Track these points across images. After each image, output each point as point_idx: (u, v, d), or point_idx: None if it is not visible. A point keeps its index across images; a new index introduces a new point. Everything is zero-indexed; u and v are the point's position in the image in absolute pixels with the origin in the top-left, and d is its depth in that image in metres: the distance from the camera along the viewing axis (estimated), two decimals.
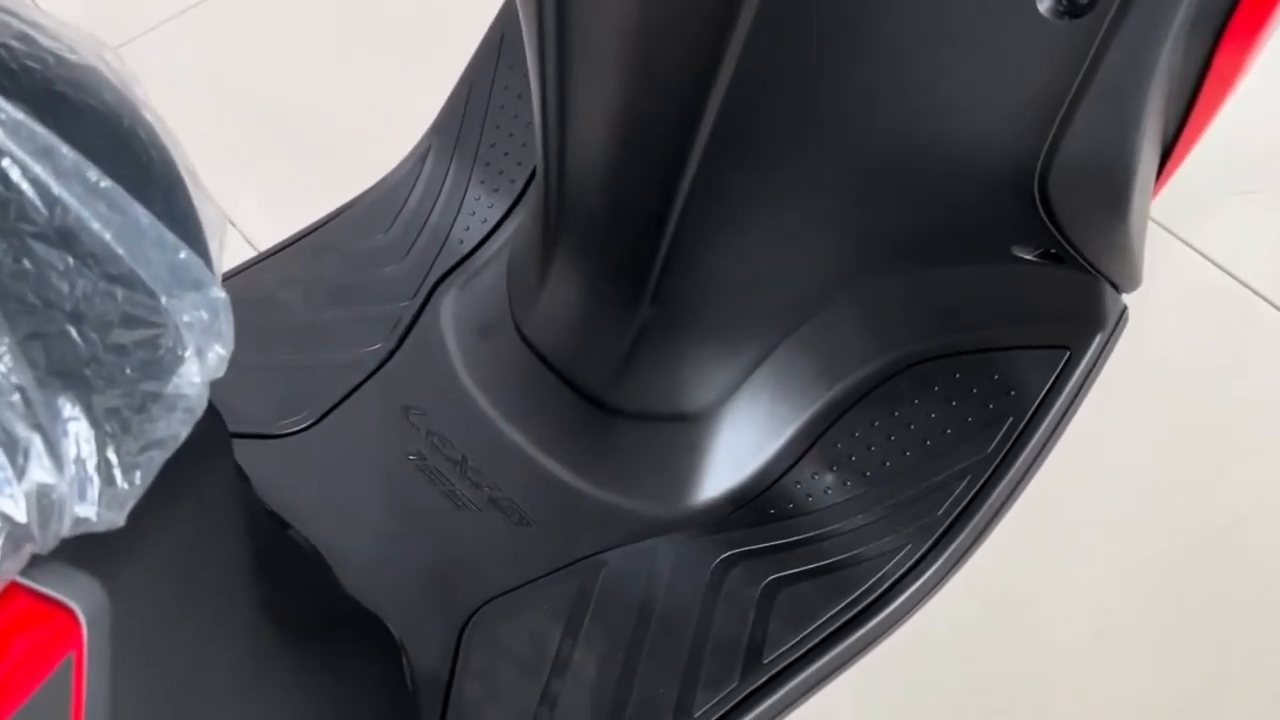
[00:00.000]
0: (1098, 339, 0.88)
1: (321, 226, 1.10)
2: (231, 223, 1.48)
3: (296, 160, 1.48)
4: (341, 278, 1.07)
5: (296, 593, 0.76)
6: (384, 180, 1.14)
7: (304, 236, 1.10)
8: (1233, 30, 0.66)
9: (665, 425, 0.95)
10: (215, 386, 0.97)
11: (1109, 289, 0.87)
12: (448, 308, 1.05)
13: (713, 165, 0.77)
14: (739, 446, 0.95)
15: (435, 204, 1.11)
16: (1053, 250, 0.82)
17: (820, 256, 0.86)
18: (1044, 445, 0.89)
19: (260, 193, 1.44)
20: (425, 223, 1.10)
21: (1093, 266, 0.83)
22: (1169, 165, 0.82)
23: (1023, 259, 0.84)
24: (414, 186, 1.13)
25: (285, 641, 0.67)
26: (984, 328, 0.91)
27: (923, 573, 0.89)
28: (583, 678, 0.85)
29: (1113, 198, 0.72)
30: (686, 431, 0.95)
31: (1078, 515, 1.23)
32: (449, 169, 1.12)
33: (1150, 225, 1.48)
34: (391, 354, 1.02)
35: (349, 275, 1.07)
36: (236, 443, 0.93)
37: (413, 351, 1.03)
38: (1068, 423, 0.90)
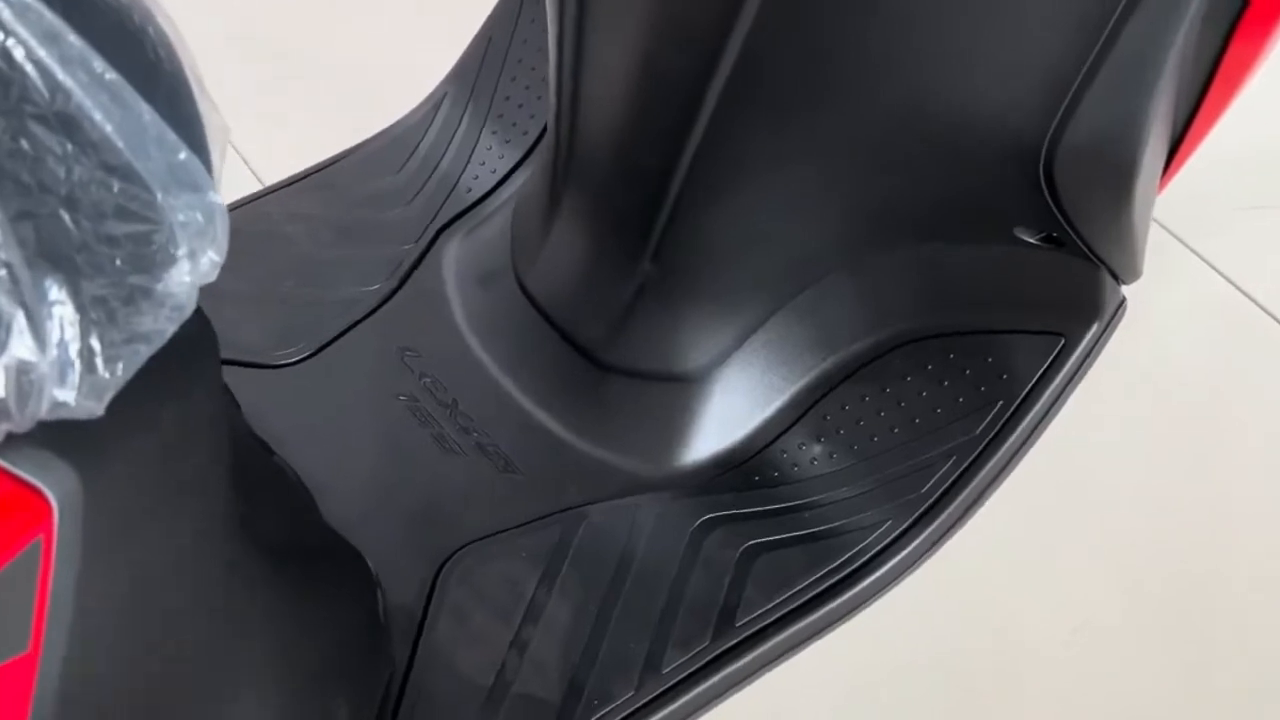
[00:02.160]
0: (1093, 328, 0.88)
1: (330, 165, 1.11)
2: (244, 161, 1.48)
3: (312, 105, 1.48)
4: (347, 217, 1.07)
5: (276, 517, 0.76)
6: (397, 124, 1.14)
7: (313, 173, 1.10)
8: (1246, 22, 0.66)
9: (658, 385, 0.95)
10: (215, 309, 0.97)
11: (1108, 278, 0.87)
12: (450, 254, 1.05)
13: (723, 123, 0.77)
14: (729, 411, 0.95)
15: (446, 151, 1.11)
16: (1054, 234, 0.82)
17: (822, 224, 0.86)
18: (1032, 431, 0.90)
19: (273, 134, 1.44)
20: (435, 169, 1.10)
21: (1093, 253, 0.82)
22: (1175, 160, 0.82)
23: (1024, 241, 0.84)
24: (426, 132, 1.13)
25: (259, 561, 0.67)
26: (981, 309, 0.91)
27: (902, 548, 0.89)
28: (555, 626, 0.85)
29: (1117, 182, 0.72)
30: (678, 393, 0.95)
31: (1064, 514, 1.23)
32: (463, 117, 1.13)
33: (1161, 233, 1.49)
34: (391, 295, 1.02)
35: (355, 215, 1.07)
36: (231, 370, 0.94)
37: (412, 294, 1.03)
38: (1058, 410, 0.90)
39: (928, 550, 0.90)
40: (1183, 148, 0.80)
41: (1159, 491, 1.23)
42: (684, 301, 0.91)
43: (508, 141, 1.11)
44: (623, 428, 0.95)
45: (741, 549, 0.90)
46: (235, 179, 1.46)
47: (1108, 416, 1.29)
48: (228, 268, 1.00)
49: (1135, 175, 0.71)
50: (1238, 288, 1.44)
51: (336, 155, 1.11)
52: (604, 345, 0.95)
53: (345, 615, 0.77)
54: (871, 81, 0.72)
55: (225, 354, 0.94)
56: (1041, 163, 0.73)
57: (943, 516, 0.90)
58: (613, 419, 0.96)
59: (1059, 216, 0.78)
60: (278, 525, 0.74)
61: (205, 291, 0.99)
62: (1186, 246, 1.48)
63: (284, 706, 0.68)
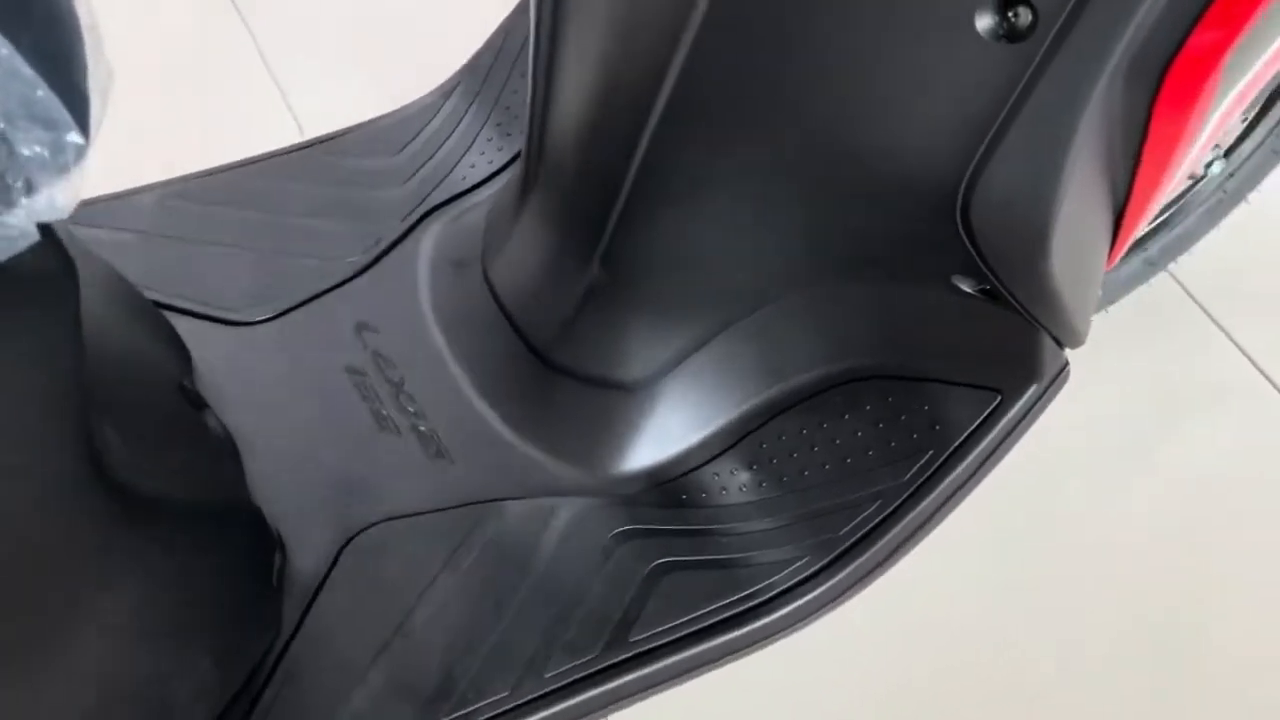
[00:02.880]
0: (1031, 390, 0.86)
1: (336, 137, 1.13)
2: (289, 108, 1.52)
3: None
4: (338, 190, 1.09)
5: (172, 467, 0.78)
6: (408, 106, 1.16)
7: (317, 143, 1.12)
8: (1169, 87, 0.64)
9: (599, 391, 0.95)
10: (187, 257, 0.99)
11: (1048, 341, 0.84)
12: (430, 238, 1.06)
13: (667, 135, 0.77)
14: (666, 427, 0.95)
15: (448, 138, 1.13)
16: (989, 287, 0.80)
17: (760, 249, 0.85)
18: (961, 485, 0.87)
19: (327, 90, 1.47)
20: (434, 154, 1.12)
21: (1026, 312, 0.80)
22: (1122, 232, 0.79)
23: (963, 291, 0.83)
24: (432, 119, 1.14)
25: (129, 508, 0.68)
26: (924, 356, 0.90)
27: (812, 589, 0.88)
28: (446, 613, 0.86)
29: (1031, 239, 0.70)
30: (618, 401, 0.95)
31: (1044, 576, 1.21)
32: (470, 107, 1.14)
33: (1195, 311, 1.44)
34: (363, 270, 1.04)
35: (346, 189, 1.09)
36: (190, 320, 0.96)
37: (384, 272, 1.04)
38: (991, 467, 0.88)
39: (840, 595, 0.89)
40: (1126, 220, 0.77)
41: (1146, 574, 1.21)
42: (628, 309, 0.91)
43: (509, 135, 1.12)
44: (560, 430, 0.95)
45: (651, 565, 0.89)
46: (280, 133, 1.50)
47: (1109, 487, 1.27)
48: (209, 219, 1.03)
49: (1048, 235, 0.69)
50: (1264, 375, 1.40)
51: (340, 130, 1.13)
52: (553, 345, 0.95)
53: (226, 574, 0.78)
54: (793, 113, 0.72)
55: (187, 305, 0.97)
56: (959, 210, 0.71)
57: (859, 561, 0.88)
58: (552, 420, 0.96)
59: (982, 265, 0.76)
60: (171, 476, 0.76)
61: (181, 239, 1.01)
62: (1219, 327, 1.44)
63: (134, 654, 0.69)
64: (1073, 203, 0.70)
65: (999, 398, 0.87)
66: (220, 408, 0.92)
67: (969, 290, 0.82)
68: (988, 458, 0.87)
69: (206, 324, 0.98)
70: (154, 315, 0.93)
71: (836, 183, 0.76)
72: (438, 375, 0.98)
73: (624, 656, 0.85)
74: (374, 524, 0.89)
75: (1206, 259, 1.37)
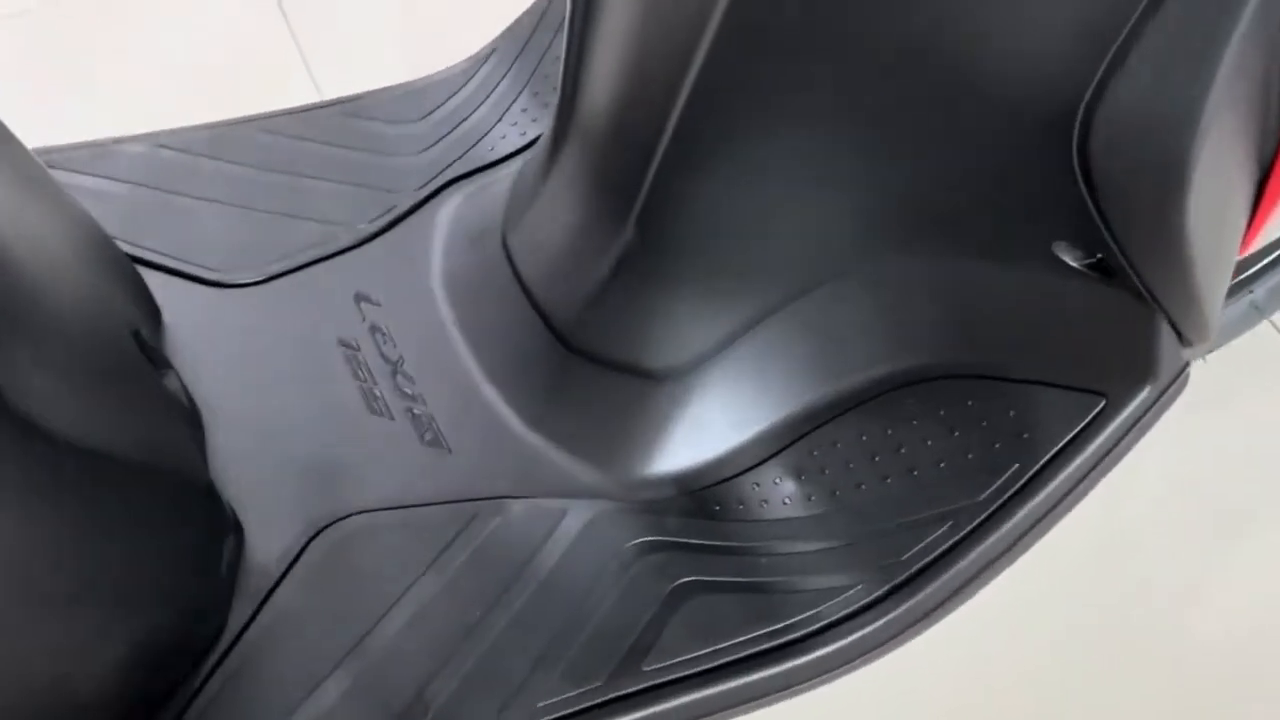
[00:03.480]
0: (1143, 394, 0.71)
1: (352, 100, 1.01)
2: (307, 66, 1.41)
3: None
4: (351, 154, 0.97)
5: (110, 420, 0.65)
6: (435, 74, 1.04)
7: (330, 105, 1.00)
8: None
9: (626, 380, 0.81)
10: (176, 211, 0.87)
11: (1168, 333, 0.69)
12: (448, 209, 0.94)
13: (714, 77, 0.65)
14: (701, 425, 0.80)
15: (479, 106, 1.01)
16: (1100, 256, 0.66)
17: (819, 214, 0.71)
18: (1053, 508, 0.72)
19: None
20: (462, 122, 1.00)
21: (1146, 290, 0.66)
22: (1264, 202, 0.65)
23: (1066, 266, 0.68)
24: (464, 86, 1.03)
25: (36, 464, 0.55)
26: (1012, 351, 0.75)
27: (866, 624, 0.73)
28: (425, 621, 0.72)
29: (1166, 179, 0.56)
30: (648, 392, 0.81)
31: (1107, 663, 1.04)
32: (505, 75, 1.02)
33: None
34: (370, 238, 0.92)
35: (360, 153, 0.97)
36: (170, 279, 0.84)
37: (393, 242, 0.92)
38: (1089, 487, 0.73)
39: (899, 632, 0.74)
40: (1271, 184, 0.63)
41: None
42: (664, 283, 0.78)
43: (546, 106, 1.00)
44: (578, 422, 0.82)
45: (675, 584, 0.75)
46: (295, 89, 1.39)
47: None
48: (202, 173, 0.91)
49: (1186, 176, 0.55)
50: None
51: (360, 93, 1.02)
52: (576, 325, 0.81)
53: (157, 550, 0.65)
54: (866, 26, 0.58)
55: (164, 260, 0.85)
56: (1076, 136, 0.57)
57: (925, 592, 0.73)
58: (569, 411, 0.82)
59: (1100, 223, 0.62)
60: (98, 425, 0.63)
61: (168, 191, 0.89)
62: None
63: (16, 624, 0.55)
64: (1216, 140, 0.56)
65: (1103, 403, 0.72)
66: (187, 372, 0.80)
67: (1074, 264, 0.68)
68: (1085, 475, 0.72)
69: (183, 282, 0.86)
70: (121, 263, 0.81)
71: (917, 118, 0.62)
72: (442, 354, 0.85)
73: (635, 689, 0.70)
74: (350, 515, 0.76)
75: None
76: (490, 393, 0.83)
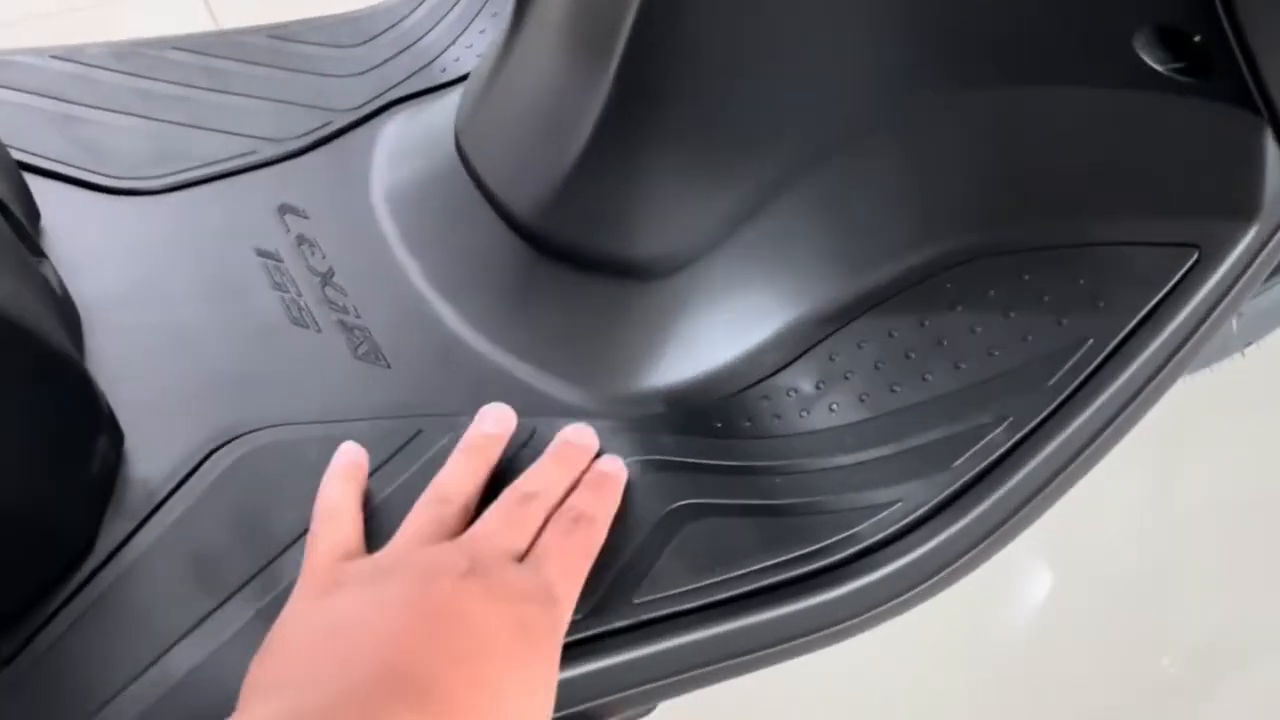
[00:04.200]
0: (1248, 237, 0.57)
1: (284, 25, 0.88)
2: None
3: None
4: (282, 74, 0.84)
5: None
6: (379, 3, 0.92)
7: (258, 30, 0.88)
8: None
9: (606, 280, 0.67)
10: (78, 123, 0.72)
11: (1275, 153, 0.56)
12: (394, 125, 0.81)
13: None
14: (699, 332, 0.66)
15: (433, 29, 0.89)
16: (1198, 40, 0.53)
17: (837, 36, 0.58)
18: (1137, 392, 0.58)
19: None
20: (413, 44, 0.88)
21: (1256, 85, 0.53)
22: None
23: (1150, 73, 0.55)
24: (415, 9, 0.90)
25: None
26: (1078, 207, 0.61)
27: (912, 547, 0.58)
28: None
29: None
30: (633, 294, 0.67)
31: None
32: None
33: None
34: (300, 152, 0.78)
35: (292, 74, 0.84)
36: (60, 185, 0.70)
37: (328, 157, 0.79)
38: (1182, 365, 0.58)
39: (959, 556, 0.59)
40: None
41: None
42: (651, 147, 0.64)
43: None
44: (548, 334, 0.67)
45: (671, 506, 0.59)
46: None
47: None
48: (110, 87, 0.78)
49: None
50: None
51: (294, 20, 0.89)
52: (545, 216, 0.68)
53: (24, 454, 0.50)
54: None
55: (55, 167, 0.71)
56: None
57: (984, 506, 0.58)
58: (537, 321, 0.68)
59: None
60: None
61: (71, 102, 0.76)
62: None
63: None
64: None
65: (1196, 254, 0.58)
66: (66, 273, 0.65)
67: (1159, 69, 0.55)
68: (1178, 348, 0.58)
69: (75, 188, 0.72)
70: (4, 163, 0.67)
71: None
72: (381, 265, 0.71)
73: (623, 624, 0.55)
74: (259, 429, 0.60)
75: None
76: (440, 305, 0.69)
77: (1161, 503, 1.08)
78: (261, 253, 0.71)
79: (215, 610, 0.52)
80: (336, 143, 0.79)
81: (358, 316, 0.68)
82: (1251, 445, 1.10)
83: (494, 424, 0.60)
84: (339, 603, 0.48)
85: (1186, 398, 1.04)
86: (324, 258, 0.71)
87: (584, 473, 0.59)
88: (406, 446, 0.60)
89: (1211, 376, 1.06)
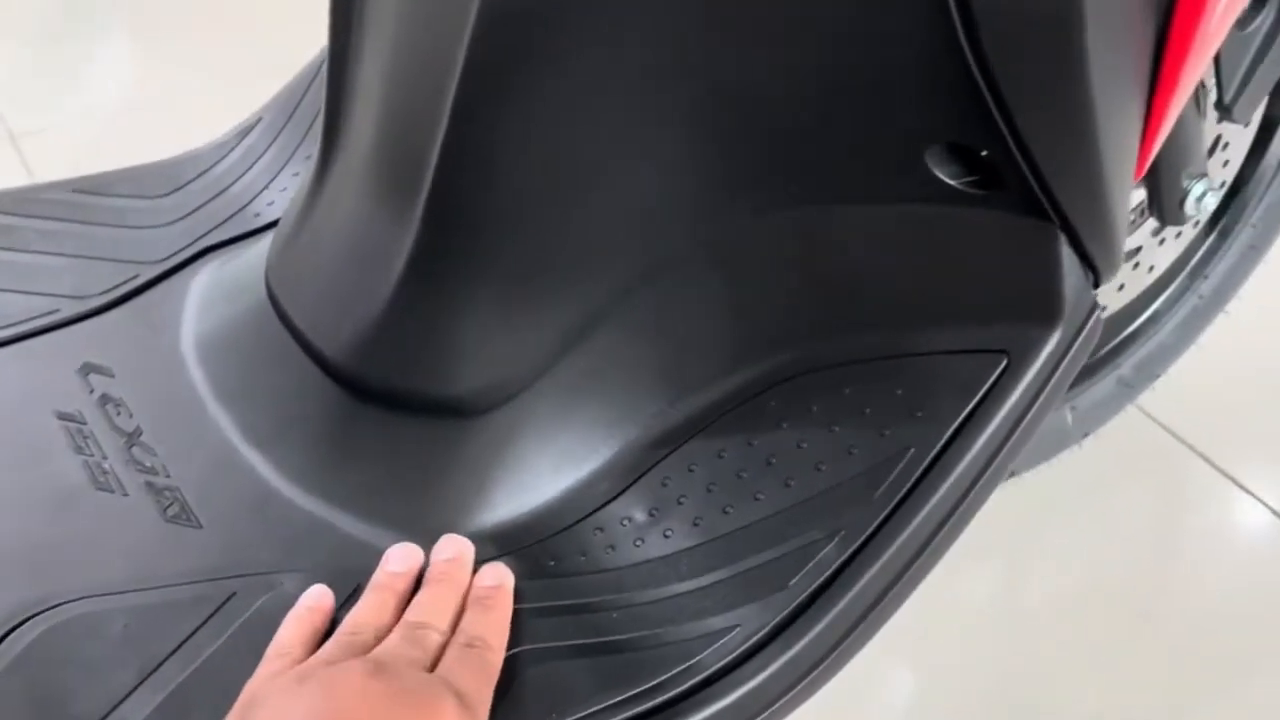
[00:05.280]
0: (1052, 341, 0.58)
1: (88, 178, 0.86)
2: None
3: None
4: (84, 228, 0.81)
5: None
6: (190, 151, 0.90)
7: (61, 184, 0.85)
8: None
9: (425, 421, 0.65)
10: None
11: (1070, 259, 0.57)
12: (204, 274, 0.78)
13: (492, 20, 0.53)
14: (525, 467, 0.65)
15: (242, 175, 0.87)
16: (985, 155, 0.54)
17: (643, 165, 0.59)
18: (963, 496, 0.58)
19: None
20: (223, 191, 0.85)
21: (1045, 195, 0.54)
22: (1152, 123, 0.55)
23: (945, 189, 0.56)
24: (225, 156, 0.88)
25: None
26: (888, 320, 0.62)
27: (755, 672, 0.56)
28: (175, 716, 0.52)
29: (1058, 44, 0.45)
30: (453, 433, 0.65)
31: None
32: (273, 143, 0.89)
33: (1194, 459, 1.19)
34: (105, 308, 0.75)
35: (95, 228, 0.81)
36: None
37: (135, 311, 0.76)
38: (1003, 467, 0.59)
39: (801, 677, 0.57)
40: (1155, 109, 0.54)
41: None
42: (463, 283, 0.63)
43: None
44: (367, 479, 0.65)
45: (505, 656, 0.57)
46: None
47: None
48: None
49: (1081, 42, 0.45)
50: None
51: (98, 173, 0.87)
52: (359, 360, 0.66)
53: None
54: None
55: None
56: None
57: (823, 624, 0.57)
58: (354, 466, 0.65)
59: (987, 94, 0.50)
60: None
61: None
62: (1221, 472, 1.18)
63: None
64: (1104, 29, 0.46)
65: (1005, 360, 0.59)
66: None
67: (953, 183, 0.56)
68: (996, 451, 0.58)
69: None
70: None
71: (745, 14, 0.51)
72: (192, 419, 0.68)
73: None
74: (61, 603, 0.56)
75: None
76: (254, 458, 0.66)
77: (1010, 599, 1.09)
78: (62, 415, 0.67)
79: None
80: (144, 296, 0.77)
81: (167, 476, 0.65)
82: (1095, 532, 1.12)
83: (399, 562, 0.60)
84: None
85: (1027, 491, 1.07)
86: (131, 416, 0.68)
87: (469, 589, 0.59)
88: (219, 611, 0.57)
89: (1049, 470, 1.08)
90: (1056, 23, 0.48)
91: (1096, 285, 0.60)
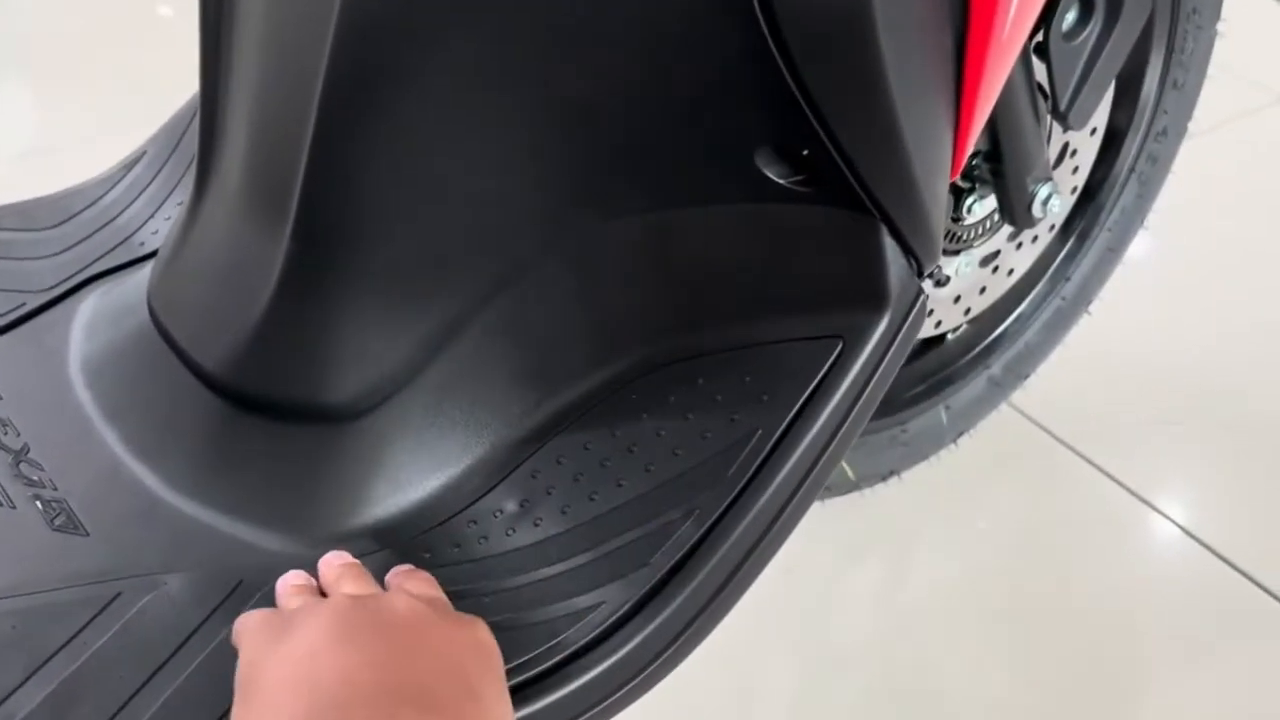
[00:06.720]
0: (881, 326, 0.63)
1: None
2: None
3: None
4: None
5: None
6: (75, 185, 0.92)
7: None
8: None
9: (301, 428, 0.68)
10: None
11: (894, 250, 0.63)
12: (91, 300, 0.81)
13: (349, 43, 0.57)
14: (400, 467, 0.68)
15: (128, 208, 0.89)
16: (808, 156, 0.59)
17: (493, 176, 0.63)
18: (807, 472, 0.62)
19: None
20: (109, 223, 0.88)
21: (864, 190, 0.59)
22: (965, 121, 0.61)
23: (775, 188, 0.61)
24: (111, 189, 0.91)
25: None
26: (734, 312, 0.67)
27: (619, 645, 0.60)
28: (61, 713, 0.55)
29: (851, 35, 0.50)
30: (330, 437, 0.68)
31: None
32: (158, 174, 0.91)
33: (1064, 451, 1.25)
34: None
35: None
36: None
37: (22, 337, 0.78)
38: (847, 440, 0.63)
39: (664, 648, 0.61)
40: (964, 111, 0.59)
41: None
42: (333, 293, 0.66)
43: None
44: (248, 483, 0.68)
45: None
46: None
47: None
48: None
49: (875, 43, 0.50)
50: (1143, 500, 1.20)
51: None
52: (236, 371, 0.69)
53: None
54: None
55: None
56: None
57: (682, 596, 0.61)
58: (236, 472, 0.68)
59: (799, 96, 0.55)
60: None
61: None
62: (1091, 463, 1.24)
63: None
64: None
65: (840, 345, 0.63)
66: None
67: (782, 182, 0.61)
68: (837, 429, 0.63)
69: None
70: None
71: (571, 25, 0.56)
72: (78, 435, 0.70)
73: None
74: None
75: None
76: (139, 469, 0.69)
77: (892, 591, 1.13)
78: None
79: None
80: (32, 323, 0.79)
81: (54, 489, 0.67)
82: (973, 524, 1.18)
83: (296, 577, 0.61)
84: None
85: (907, 490, 1.12)
86: (18, 435, 0.70)
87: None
88: (106, 610, 0.59)
89: (928, 469, 1.14)
90: (849, 25, 0.52)
91: (920, 274, 0.65)
